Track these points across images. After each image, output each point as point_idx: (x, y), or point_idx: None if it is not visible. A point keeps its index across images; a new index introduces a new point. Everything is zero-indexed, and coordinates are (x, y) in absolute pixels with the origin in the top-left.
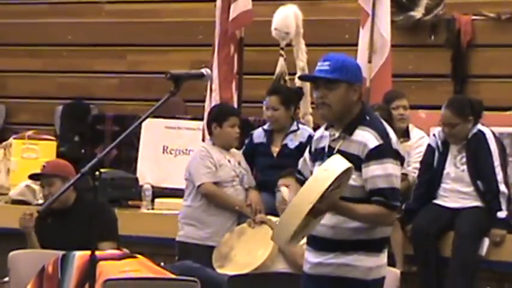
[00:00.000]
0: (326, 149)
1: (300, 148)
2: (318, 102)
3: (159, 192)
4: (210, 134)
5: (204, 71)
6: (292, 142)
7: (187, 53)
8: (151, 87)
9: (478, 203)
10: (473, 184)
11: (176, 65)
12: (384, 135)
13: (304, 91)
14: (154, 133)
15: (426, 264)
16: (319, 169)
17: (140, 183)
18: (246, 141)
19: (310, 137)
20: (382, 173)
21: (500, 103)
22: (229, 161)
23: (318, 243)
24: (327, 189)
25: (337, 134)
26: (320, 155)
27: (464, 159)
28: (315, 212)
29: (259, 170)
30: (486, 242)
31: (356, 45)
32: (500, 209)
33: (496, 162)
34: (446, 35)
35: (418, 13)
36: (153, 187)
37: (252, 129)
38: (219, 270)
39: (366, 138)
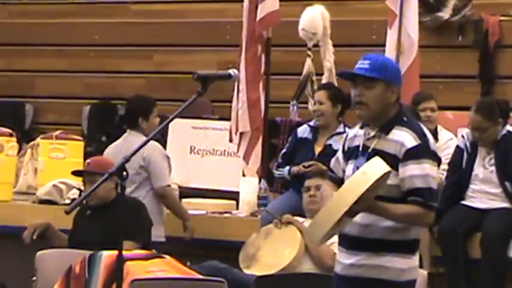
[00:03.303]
0: (360, 148)
1: None
2: (354, 101)
3: (186, 193)
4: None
5: (231, 71)
6: (336, 144)
7: (214, 53)
8: (178, 88)
9: (506, 204)
10: (501, 185)
11: (203, 65)
12: (421, 135)
13: None
14: (181, 133)
15: (455, 265)
16: (358, 172)
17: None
18: (290, 137)
19: None
20: (419, 173)
21: None
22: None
23: (351, 242)
24: (365, 192)
25: (372, 133)
26: (354, 154)
27: (493, 161)
28: (351, 213)
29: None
30: None
31: (383, 46)
32: None
33: None
34: (473, 35)
35: (445, 14)
36: (179, 187)
37: (278, 130)
38: (245, 271)
39: (403, 137)
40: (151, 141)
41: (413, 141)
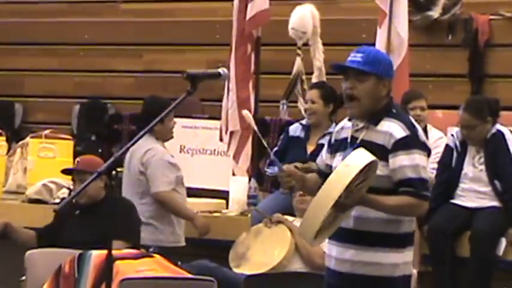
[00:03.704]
0: (349, 139)
1: None
2: (346, 94)
3: None
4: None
5: (220, 70)
6: None
7: (204, 52)
8: (167, 87)
9: (495, 203)
10: (491, 184)
11: (193, 64)
12: (410, 126)
13: None
14: None
15: (441, 264)
16: (341, 164)
17: None
18: (282, 136)
19: None
20: (409, 163)
21: None
22: (172, 156)
23: (342, 235)
24: (351, 183)
25: (360, 125)
26: (342, 146)
27: (482, 159)
28: (341, 207)
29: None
30: (503, 242)
31: (373, 44)
32: None
33: None
34: (463, 34)
35: (435, 13)
36: None
37: (268, 129)
38: (235, 270)
39: (392, 128)
40: (155, 146)
41: (402, 132)
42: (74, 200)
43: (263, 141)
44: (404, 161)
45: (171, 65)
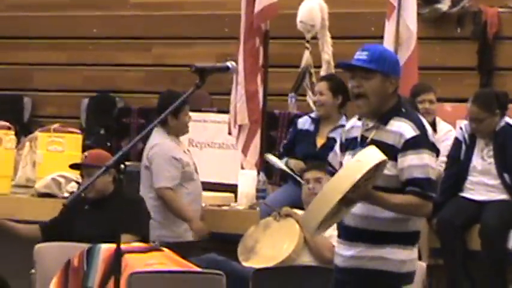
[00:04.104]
0: (359, 139)
1: None
2: (353, 92)
3: None
4: (165, 123)
5: (229, 63)
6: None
7: (213, 45)
8: (176, 80)
9: (504, 196)
10: (500, 177)
11: (202, 57)
12: (420, 126)
13: None
14: None
15: (453, 257)
16: (353, 159)
17: None
18: (291, 129)
19: None
20: (418, 163)
21: None
22: (184, 151)
23: (350, 234)
24: (359, 179)
25: (370, 124)
26: (352, 144)
27: (491, 152)
28: (347, 202)
29: (299, 158)
30: None
31: (382, 38)
32: None
33: None
34: (472, 27)
35: (444, 5)
36: None
37: (277, 122)
38: (244, 263)
39: (402, 128)
40: (163, 141)
41: (412, 132)
42: (82, 195)
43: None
44: (414, 161)
45: (180, 58)
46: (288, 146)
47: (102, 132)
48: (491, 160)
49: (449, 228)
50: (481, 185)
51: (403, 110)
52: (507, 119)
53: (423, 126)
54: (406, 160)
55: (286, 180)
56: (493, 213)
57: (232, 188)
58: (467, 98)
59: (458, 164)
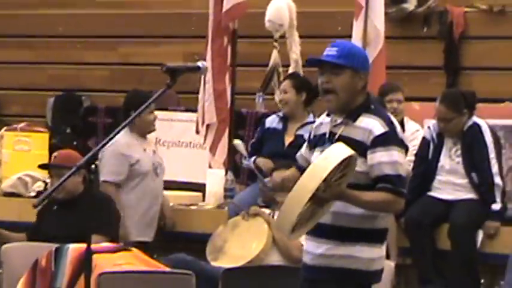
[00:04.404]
0: (327, 135)
1: None
2: (322, 88)
3: None
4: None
5: (200, 63)
6: (307, 134)
7: (179, 44)
8: (142, 79)
9: (472, 195)
10: (467, 176)
11: (168, 56)
12: (389, 123)
13: None
14: None
15: (423, 256)
16: (319, 157)
17: None
18: (259, 128)
19: None
20: (388, 159)
21: (493, 95)
22: (144, 150)
23: (319, 231)
24: (328, 177)
25: (339, 120)
26: (320, 141)
27: (459, 152)
28: (319, 201)
29: (266, 156)
30: (480, 234)
31: (349, 37)
32: (495, 201)
33: (491, 154)
34: (438, 27)
35: (410, 5)
36: None
37: (244, 121)
38: (212, 263)
39: (371, 125)
40: (118, 139)
41: (382, 129)
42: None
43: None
44: (383, 158)
45: (147, 57)
46: (256, 145)
47: (68, 131)
48: (459, 159)
49: (418, 227)
50: (449, 184)
51: (372, 106)
52: (475, 119)
53: (392, 123)
54: (376, 157)
55: (254, 179)
56: (461, 212)
57: (199, 187)
58: (433, 97)
59: (426, 163)
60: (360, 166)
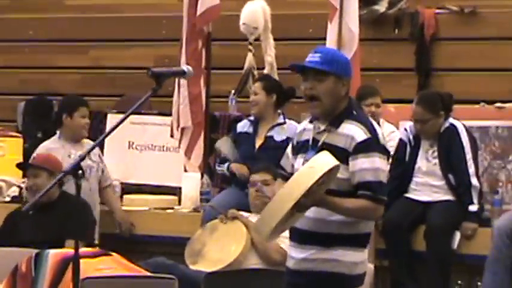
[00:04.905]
0: (310, 142)
1: (287, 143)
2: (306, 94)
3: (127, 188)
4: (60, 125)
5: (184, 68)
6: (277, 135)
7: (150, 48)
8: (114, 83)
9: (449, 197)
10: (444, 178)
11: (139, 60)
12: (371, 129)
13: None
14: (119, 129)
15: (398, 258)
16: (305, 165)
17: None
18: (231, 133)
19: None
20: (369, 166)
21: (464, 96)
22: (69, 155)
23: (302, 237)
24: (312, 186)
25: (322, 127)
26: (304, 148)
27: (436, 153)
28: (300, 207)
29: (239, 160)
30: (457, 235)
31: (320, 39)
32: (472, 203)
33: (468, 155)
34: (410, 28)
35: (381, 7)
36: (121, 183)
37: (217, 124)
38: (191, 267)
39: (353, 131)
40: (43, 144)
41: (363, 135)
42: (25, 199)
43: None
44: (365, 164)
45: (118, 60)
46: None
47: (39, 135)
48: (436, 161)
49: (395, 229)
50: (426, 186)
51: (354, 112)
52: (451, 120)
53: (374, 129)
54: (357, 163)
55: (229, 183)
56: (438, 213)
57: (173, 191)
58: (406, 98)
59: (403, 165)
60: (342, 173)
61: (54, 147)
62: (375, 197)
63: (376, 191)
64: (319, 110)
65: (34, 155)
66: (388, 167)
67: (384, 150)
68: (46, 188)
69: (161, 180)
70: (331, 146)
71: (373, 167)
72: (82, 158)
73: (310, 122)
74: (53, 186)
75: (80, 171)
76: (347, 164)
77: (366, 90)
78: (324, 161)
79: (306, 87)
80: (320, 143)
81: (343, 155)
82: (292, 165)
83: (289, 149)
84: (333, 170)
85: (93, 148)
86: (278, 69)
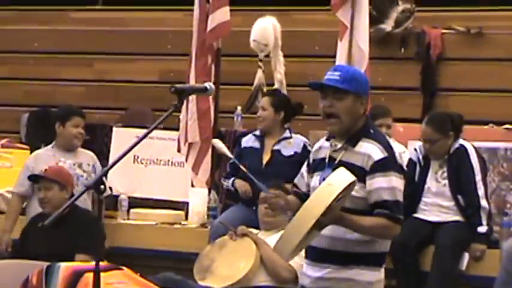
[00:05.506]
0: (327, 160)
1: (294, 158)
2: (325, 112)
3: (132, 202)
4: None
5: (207, 85)
6: (286, 149)
7: (155, 62)
8: (118, 96)
9: (458, 218)
10: (454, 199)
11: (144, 74)
12: (388, 148)
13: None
14: (124, 142)
15: (406, 278)
16: (324, 183)
17: (111, 192)
18: (235, 148)
19: (305, 147)
20: (386, 185)
21: (469, 117)
22: (58, 162)
23: (318, 255)
24: (332, 203)
25: (339, 145)
26: (320, 166)
27: (445, 174)
28: (319, 225)
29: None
30: (466, 256)
31: (325, 56)
32: (481, 224)
33: (478, 177)
34: (416, 48)
35: (388, 26)
36: (128, 197)
37: (223, 140)
38: (200, 283)
39: (370, 150)
40: (37, 152)
41: (381, 154)
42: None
43: (241, 166)
44: (382, 183)
45: (122, 74)
46: (235, 165)
47: (43, 147)
48: (445, 182)
49: (403, 249)
50: (435, 206)
51: (371, 131)
52: (461, 141)
53: (391, 147)
54: (374, 182)
55: (234, 199)
56: (447, 234)
57: (178, 206)
58: (411, 118)
59: (412, 185)
60: (358, 191)
61: (44, 154)
62: (392, 216)
63: (393, 210)
64: (337, 128)
65: (46, 167)
66: (403, 186)
67: (400, 169)
68: (67, 203)
69: (166, 194)
70: (348, 164)
71: (390, 185)
72: (104, 173)
73: (327, 139)
74: (75, 201)
75: (102, 186)
76: (364, 182)
77: (377, 111)
78: (342, 177)
79: (324, 105)
80: (337, 161)
81: (360, 173)
82: (308, 185)
83: (304, 168)
84: (350, 186)
85: (115, 164)
86: (288, 86)
